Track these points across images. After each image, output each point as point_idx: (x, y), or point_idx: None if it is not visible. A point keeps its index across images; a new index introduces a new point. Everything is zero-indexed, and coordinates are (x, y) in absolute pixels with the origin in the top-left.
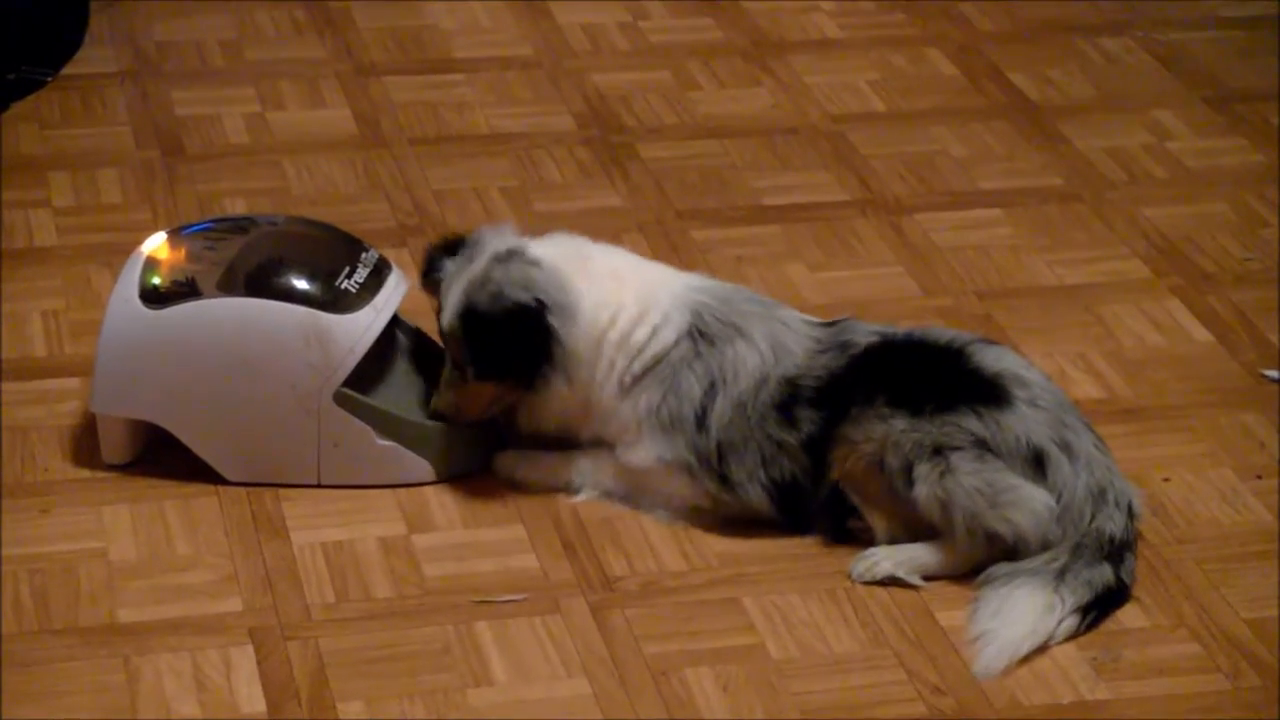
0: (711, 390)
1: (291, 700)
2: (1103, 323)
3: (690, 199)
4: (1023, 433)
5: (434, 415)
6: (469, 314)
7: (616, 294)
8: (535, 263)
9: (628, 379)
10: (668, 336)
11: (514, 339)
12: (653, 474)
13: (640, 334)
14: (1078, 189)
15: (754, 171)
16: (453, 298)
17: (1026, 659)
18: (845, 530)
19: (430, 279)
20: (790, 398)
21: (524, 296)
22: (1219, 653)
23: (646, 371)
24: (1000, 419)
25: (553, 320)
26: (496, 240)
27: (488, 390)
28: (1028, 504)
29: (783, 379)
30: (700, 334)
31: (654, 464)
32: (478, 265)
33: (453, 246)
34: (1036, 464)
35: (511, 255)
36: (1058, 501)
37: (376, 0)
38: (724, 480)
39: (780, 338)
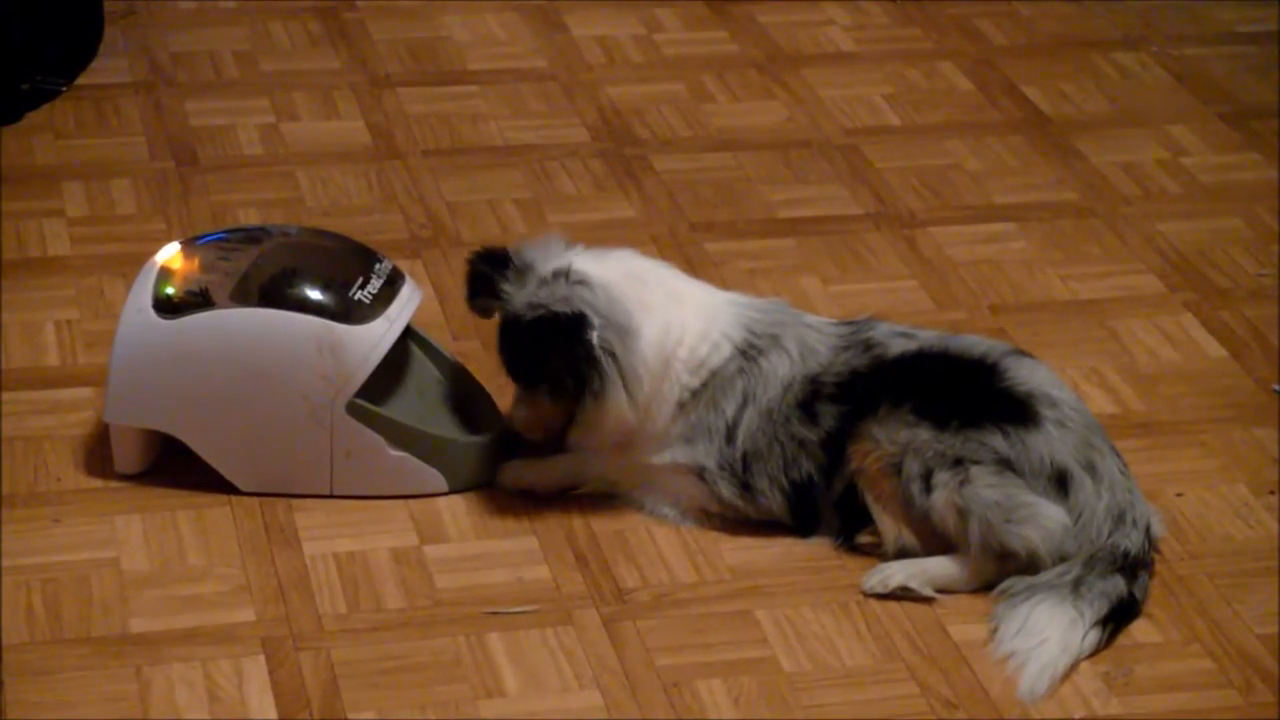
0: (744, 404)
1: (303, 711)
2: (1116, 337)
3: (704, 212)
4: (1047, 453)
5: (511, 434)
6: (507, 326)
7: (680, 315)
8: (583, 281)
9: (686, 395)
10: (725, 352)
11: (546, 348)
12: (666, 474)
13: (702, 351)
14: (1092, 204)
15: (768, 184)
16: (501, 318)
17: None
18: (855, 544)
19: (477, 302)
20: (812, 394)
21: (562, 308)
22: (1231, 668)
23: (703, 386)
24: (1026, 439)
25: (609, 338)
26: (543, 260)
27: (552, 405)
28: (1042, 521)
29: (806, 378)
30: (747, 348)
31: (669, 466)
32: (527, 289)
33: (498, 261)
34: (1059, 484)
35: (557, 276)
36: (1077, 520)
37: (391, 12)
38: (745, 487)
39: (808, 341)
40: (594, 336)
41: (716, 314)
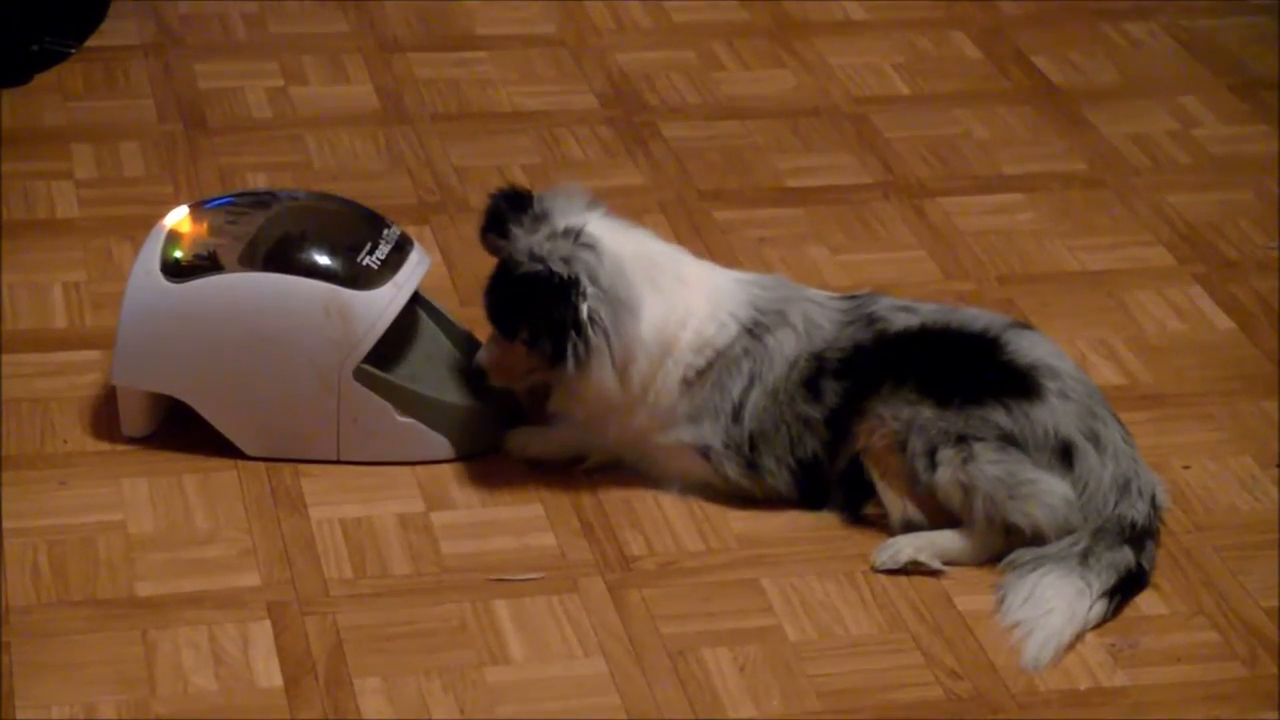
0: (750, 384)
1: (308, 675)
2: (1125, 309)
3: (712, 179)
4: (1051, 425)
5: (474, 370)
6: (501, 270)
7: (685, 299)
8: (592, 246)
9: (691, 374)
10: (732, 331)
11: (530, 303)
12: (672, 454)
13: (709, 331)
14: (1101, 174)
15: (777, 153)
16: (499, 260)
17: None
18: (861, 515)
19: (487, 239)
20: (817, 371)
21: (559, 268)
22: (1237, 640)
23: (708, 366)
24: (1030, 412)
25: (600, 310)
26: (561, 213)
27: (523, 355)
28: (1045, 497)
29: (811, 354)
30: (754, 326)
31: (676, 446)
32: (535, 238)
33: (518, 202)
34: (1064, 455)
35: (568, 234)
36: (1083, 491)
37: None
38: (751, 466)
39: (812, 316)
40: (582, 305)
41: (723, 294)
